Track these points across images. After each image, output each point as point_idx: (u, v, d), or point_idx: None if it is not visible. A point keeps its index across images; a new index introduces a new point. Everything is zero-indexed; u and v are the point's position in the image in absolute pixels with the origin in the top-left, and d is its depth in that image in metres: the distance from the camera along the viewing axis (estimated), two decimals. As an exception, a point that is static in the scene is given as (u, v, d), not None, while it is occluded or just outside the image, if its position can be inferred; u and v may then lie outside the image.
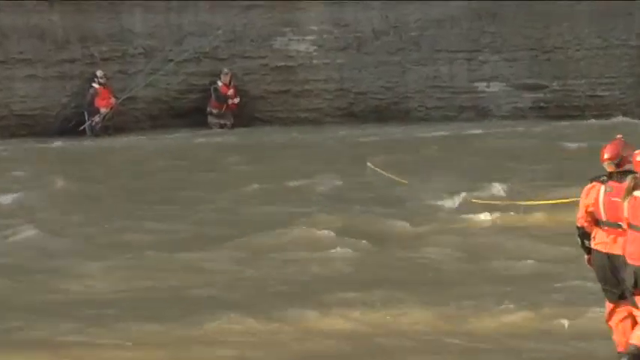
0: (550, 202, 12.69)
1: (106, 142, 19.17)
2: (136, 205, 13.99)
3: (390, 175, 14.38)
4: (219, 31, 19.99)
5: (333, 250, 11.40)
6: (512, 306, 9.35)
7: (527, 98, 20.30)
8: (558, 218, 12.15)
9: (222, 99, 20.12)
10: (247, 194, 14.43)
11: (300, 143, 18.40)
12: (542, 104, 20.27)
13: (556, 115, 19.96)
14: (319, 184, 14.77)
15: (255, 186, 14.70)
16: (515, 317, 9.25)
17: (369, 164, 15.24)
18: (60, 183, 15.39)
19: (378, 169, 14.82)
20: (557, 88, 20.22)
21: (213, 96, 20.22)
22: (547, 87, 20.22)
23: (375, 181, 14.82)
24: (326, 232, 12.03)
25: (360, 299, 9.81)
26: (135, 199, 14.34)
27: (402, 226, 12.45)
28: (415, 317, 9.32)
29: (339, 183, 14.81)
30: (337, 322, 9.23)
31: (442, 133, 19.02)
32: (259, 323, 9.18)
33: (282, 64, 20.29)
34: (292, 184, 14.83)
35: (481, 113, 20.32)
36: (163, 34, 20.15)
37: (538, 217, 12.53)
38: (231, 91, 20.08)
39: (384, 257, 11.26)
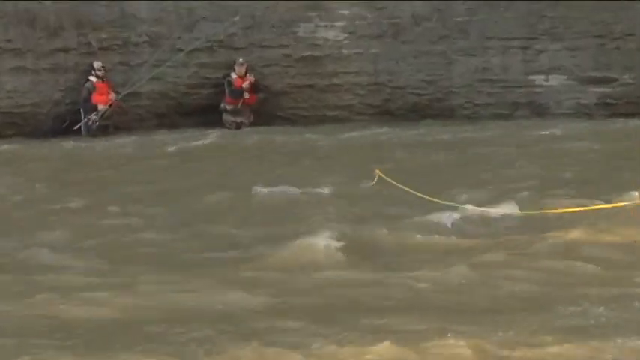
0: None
1: (103, 143, 16.97)
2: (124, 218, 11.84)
3: (409, 191, 11.90)
4: (236, 17, 17.70)
5: (337, 272, 9.20)
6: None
7: (593, 93, 17.61)
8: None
9: (237, 93, 17.74)
10: (239, 204, 12.21)
11: (324, 144, 16.03)
12: (610, 100, 17.58)
13: (627, 113, 17.32)
14: (331, 194, 12.45)
15: (253, 193, 12.54)
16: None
17: (377, 172, 12.80)
18: (42, 192, 13.30)
19: (391, 181, 12.38)
20: (629, 81, 17.54)
21: (226, 90, 17.92)
22: (616, 80, 17.51)
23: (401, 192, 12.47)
24: (328, 250, 9.78)
25: (387, 327, 7.53)
26: (124, 211, 12.16)
27: (429, 241, 10.13)
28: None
29: (356, 192, 12.44)
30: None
31: (492, 133, 16.50)
32: None
33: (308, 54, 17.79)
34: (301, 192, 12.55)
35: (538, 111, 17.70)
36: (171, 20, 17.78)
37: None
38: (246, 84, 17.80)
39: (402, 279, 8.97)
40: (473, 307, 8.14)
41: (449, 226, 10.65)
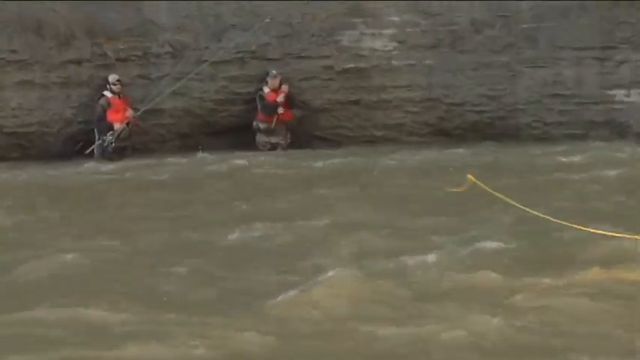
0: None
1: (119, 168, 15.16)
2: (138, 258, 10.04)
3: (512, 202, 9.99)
4: (268, 20, 15.81)
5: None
6: None
7: (682, 111, 15.60)
8: None
9: (270, 109, 15.81)
10: (249, 243, 10.43)
11: (369, 169, 14.09)
12: (702, 118, 15.55)
13: None
14: (373, 227, 10.55)
15: (267, 231, 10.77)
16: None
17: (469, 177, 10.85)
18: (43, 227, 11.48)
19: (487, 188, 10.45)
20: None
21: (259, 106, 16.05)
22: None
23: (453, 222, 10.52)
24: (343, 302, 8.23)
25: None
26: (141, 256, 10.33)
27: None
28: None
29: (389, 234, 10.56)
30: None
31: (565, 159, 14.50)
32: None
33: (352, 65, 15.82)
34: (335, 223, 10.67)
35: (617, 130, 15.62)
36: (196, 28, 15.89)
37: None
38: (280, 97, 15.93)
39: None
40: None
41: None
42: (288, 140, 16.06)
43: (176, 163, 15.11)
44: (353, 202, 11.93)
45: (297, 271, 9.22)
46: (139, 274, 9.45)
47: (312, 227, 10.73)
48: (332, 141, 16.14)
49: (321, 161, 14.59)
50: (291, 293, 8.41)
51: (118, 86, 15.69)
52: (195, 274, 9.30)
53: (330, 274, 8.81)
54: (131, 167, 15.04)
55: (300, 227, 10.78)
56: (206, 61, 15.67)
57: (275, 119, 15.82)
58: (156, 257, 9.90)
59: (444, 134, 15.93)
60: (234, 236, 10.56)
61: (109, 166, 15.09)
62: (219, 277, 9.24)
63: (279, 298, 8.35)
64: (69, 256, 9.82)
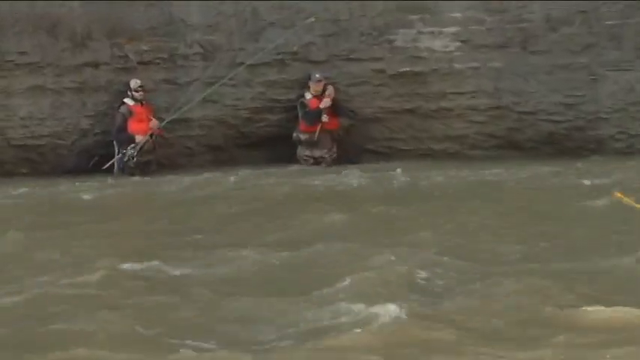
0: None
1: (141, 184, 13.49)
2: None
3: None
4: (312, 19, 14.09)
5: None
6: None
7: None
8: None
9: (313, 117, 14.11)
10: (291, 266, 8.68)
11: (426, 188, 12.26)
12: None
13: None
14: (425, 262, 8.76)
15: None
16: None
17: (617, 194, 9.06)
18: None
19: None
20: None
21: (300, 114, 14.35)
22: None
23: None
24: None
25: None
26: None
27: None
28: None
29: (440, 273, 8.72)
30: None
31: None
32: None
33: (408, 69, 13.98)
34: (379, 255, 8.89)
35: None
36: (230, 26, 14.14)
37: None
38: (325, 102, 14.14)
39: None
40: None
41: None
42: (334, 154, 14.30)
43: (206, 179, 13.43)
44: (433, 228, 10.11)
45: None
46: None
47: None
48: (384, 155, 14.37)
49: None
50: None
51: (141, 92, 14.02)
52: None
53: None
54: (154, 184, 13.37)
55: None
56: (241, 63, 13.91)
57: (318, 129, 14.09)
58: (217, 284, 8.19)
59: (515, 148, 14.03)
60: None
61: (129, 183, 13.45)
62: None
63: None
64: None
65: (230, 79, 13.98)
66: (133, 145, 13.91)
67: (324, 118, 14.02)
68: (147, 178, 13.75)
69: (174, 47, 14.17)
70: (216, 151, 14.47)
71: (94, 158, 14.09)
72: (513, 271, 8.36)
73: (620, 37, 13.71)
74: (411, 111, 14.22)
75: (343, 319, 7.29)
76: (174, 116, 13.92)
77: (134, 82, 14.04)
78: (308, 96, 14.14)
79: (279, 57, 14.16)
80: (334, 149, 14.29)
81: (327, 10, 14.05)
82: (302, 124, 14.14)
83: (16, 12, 13.93)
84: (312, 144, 14.14)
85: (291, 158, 14.19)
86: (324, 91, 14.09)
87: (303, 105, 14.11)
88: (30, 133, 14.10)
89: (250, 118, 14.37)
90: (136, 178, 13.76)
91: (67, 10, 14.02)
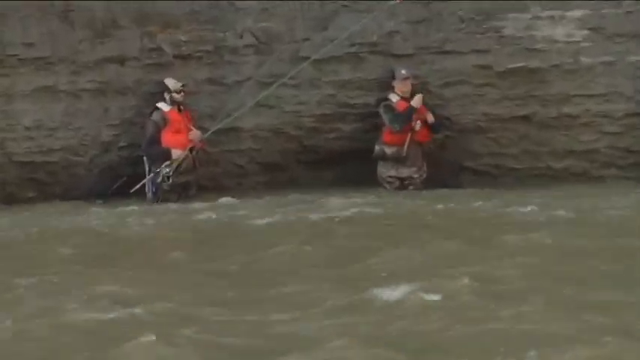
0: None
1: (179, 213, 10.82)
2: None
3: None
4: (397, 0, 11.40)
5: None
6: None
7: None
8: None
9: (401, 121, 11.40)
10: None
11: (545, 222, 9.45)
12: None
13: None
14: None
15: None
16: None
17: None
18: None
19: None
20: None
21: (385, 119, 11.60)
22: None
23: None
24: None
25: None
26: None
27: None
28: None
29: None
30: None
31: None
32: None
33: (520, 64, 11.33)
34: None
35: None
36: (291, 11, 11.64)
37: None
38: (417, 100, 11.35)
39: None
40: None
41: None
42: (424, 174, 11.61)
43: (263, 205, 10.74)
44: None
45: None
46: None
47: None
48: (489, 175, 11.64)
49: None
50: None
51: (181, 95, 11.43)
52: None
53: None
54: (195, 211, 10.71)
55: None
56: (306, 58, 11.30)
57: (407, 140, 11.40)
58: None
59: (658, 166, 11.33)
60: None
61: (164, 211, 10.80)
62: None
63: None
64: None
65: (291, 77, 11.32)
66: (168, 162, 11.27)
67: (417, 125, 11.32)
68: (186, 205, 11.12)
69: (220, 37, 11.49)
70: (272, 171, 11.81)
71: (119, 179, 11.50)
72: None
73: None
74: (524, 118, 11.44)
75: None
76: (220, 125, 11.27)
77: (173, 82, 11.39)
78: (394, 98, 11.44)
79: (354, 50, 11.48)
80: (424, 168, 11.59)
81: (415, -9, 11.40)
82: (386, 134, 11.41)
83: (22, -5, 11.40)
84: (398, 160, 11.42)
85: (368, 180, 11.50)
86: (413, 92, 11.40)
87: (389, 109, 11.39)
88: (37, 147, 11.47)
89: (316, 127, 11.68)
90: (172, 205, 11.13)
91: (86, -9, 11.45)
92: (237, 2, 11.51)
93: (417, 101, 11.34)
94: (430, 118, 11.44)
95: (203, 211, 10.51)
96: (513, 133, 11.54)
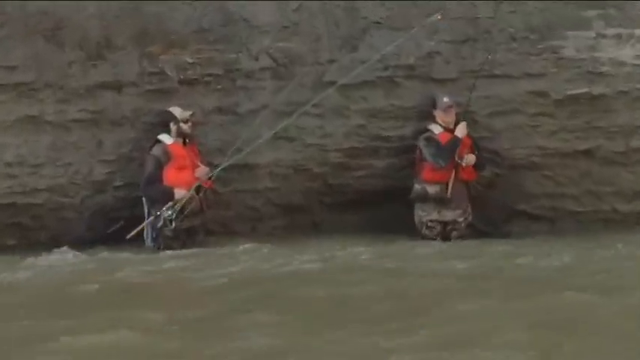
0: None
1: (181, 262, 9.43)
2: None
3: None
4: (438, 16, 10.06)
5: None
6: None
7: None
8: None
9: (446, 157, 10.00)
10: None
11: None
12: None
13: None
14: None
15: None
16: None
17: None
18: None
19: None
20: None
21: (426, 153, 10.09)
22: None
23: None
24: None
25: None
26: None
27: None
28: None
29: None
30: None
31: None
32: None
33: (582, 90, 10.11)
34: None
35: None
36: (315, 28, 10.31)
37: None
38: (461, 129, 10.02)
39: None
40: None
41: None
42: (469, 216, 10.22)
43: (284, 255, 9.35)
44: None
45: None
46: None
47: None
48: (545, 220, 10.23)
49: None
50: None
51: (189, 125, 10.09)
52: None
53: None
54: (203, 262, 9.32)
55: None
56: (332, 83, 9.96)
57: (452, 177, 10.02)
58: None
59: None
60: None
61: (167, 260, 9.43)
62: None
63: None
64: None
65: (314, 105, 9.97)
66: (170, 203, 9.88)
67: (465, 160, 9.93)
68: (192, 252, 9.74)
69: (232, 59, 10.14)
70: (292, 213, 10.42)
71: (114, 223, 10.13)
72: None
73: None
74: (586, 153, 10.08)
75: None
76: (231, 161, 9.92)
77: (180, 111, 10.03)
78: (436, 130, 10.06)
79: (387, 73, 10.13)
80: (469, 210, 10.19)
81: (459, 5, 10.04)
82: (427, 171, 10.02)
83: (4, 9, 10.06)
84: (440, 202, 10.02)
85: (403, 226, 10.10)
86: (457, 121, 10.03)
87: (430, 141, 10.01)
88: (20, 187, 10.09)
89: (344, 164, 10.32)
90: (176, 253, 9.75)
91: (76, 7, 10.10)
92: (251, 19, 10.18)
93: (461, 130, 9.95)
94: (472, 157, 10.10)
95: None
96: (574, 171, 10.15)
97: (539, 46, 10.03)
